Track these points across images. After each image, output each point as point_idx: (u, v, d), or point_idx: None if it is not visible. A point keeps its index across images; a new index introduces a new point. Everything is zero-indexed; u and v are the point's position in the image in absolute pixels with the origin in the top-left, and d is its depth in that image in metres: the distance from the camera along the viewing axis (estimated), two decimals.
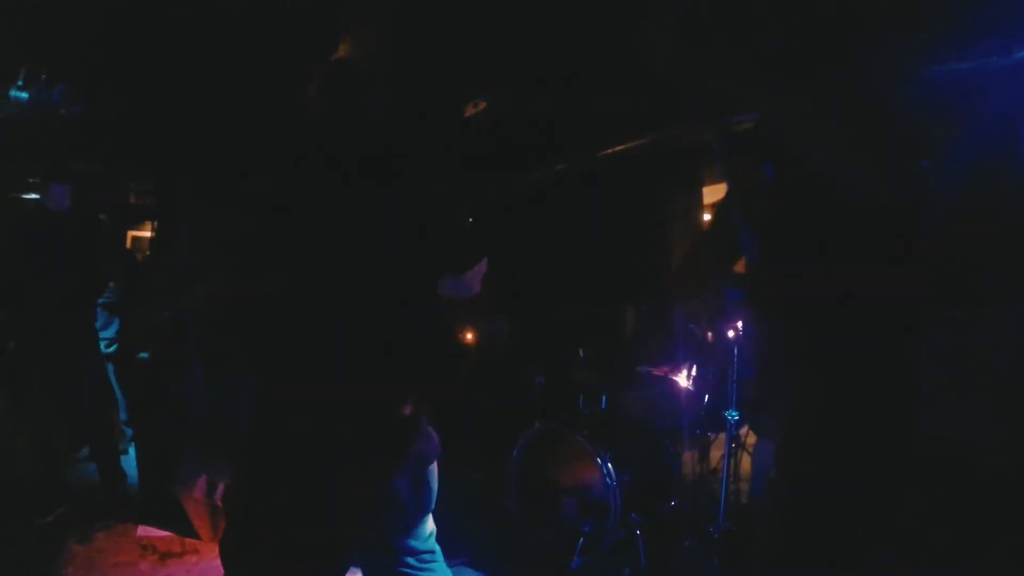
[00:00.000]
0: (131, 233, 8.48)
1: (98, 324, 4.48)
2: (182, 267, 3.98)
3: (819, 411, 1.42)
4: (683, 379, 3.75)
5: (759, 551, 1.71)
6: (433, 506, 1.98)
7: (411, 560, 1.96)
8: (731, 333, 3.46)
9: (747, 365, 3.31)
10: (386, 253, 1.69)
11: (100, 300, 4.51)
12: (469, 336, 5.12)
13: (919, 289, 1.35)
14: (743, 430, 4.10)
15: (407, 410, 1.73)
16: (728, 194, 1.53)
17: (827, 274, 1.37)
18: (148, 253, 7.54)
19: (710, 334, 4.15)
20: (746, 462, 4.14)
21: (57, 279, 3.79)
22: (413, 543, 1.97)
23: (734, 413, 3.35)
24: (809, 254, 1.38)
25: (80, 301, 4.01)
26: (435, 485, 1.96)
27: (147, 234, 8.22)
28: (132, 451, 4.72)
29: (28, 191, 7.26)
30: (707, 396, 3.78)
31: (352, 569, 1.95)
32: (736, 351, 3.33)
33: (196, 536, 3.56)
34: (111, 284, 4.63)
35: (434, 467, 1.94)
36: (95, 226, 4.21)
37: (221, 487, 3.43)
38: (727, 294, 3.38)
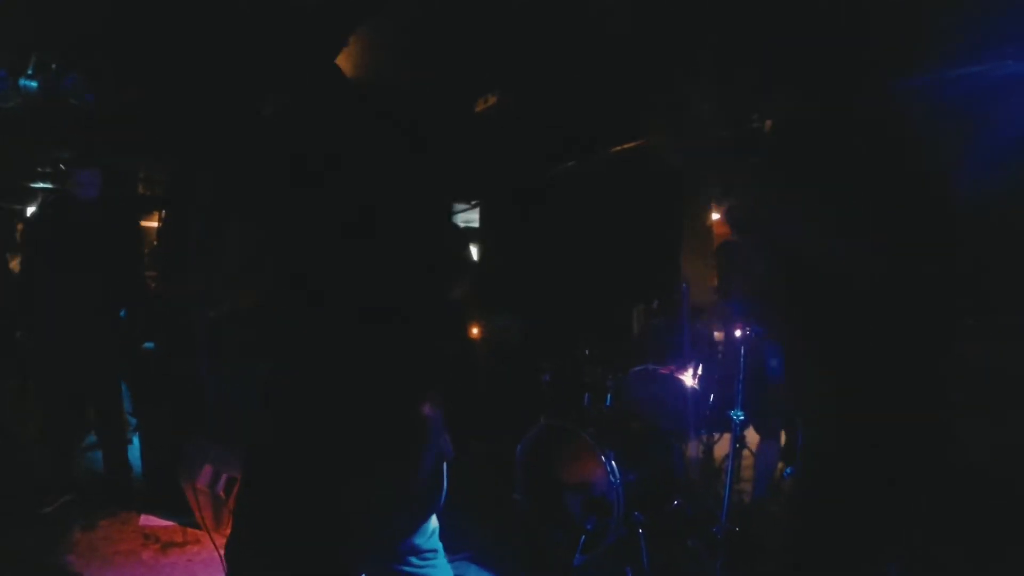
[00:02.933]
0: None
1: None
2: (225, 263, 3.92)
3: (841, 416, 1.40)
4: (689, 378, 3.74)
5: (784, 550, 1.69)
6: (442, 505, 1.95)
7: (414, 559, 1.94)
8: (739, 333, 3.44)
9: (765, 368, 3.29)
10: (406, 238, 1.62)
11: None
12: (475, 332, 5.11)
13: (946, 297, 1.33)
14: (747, 430, 4.09)
15: (426, 409, 1.69)
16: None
17: (848, 281, 1.36)
18: (155, 243, 7.51)
19: (717, 334, 4.14)
20: (750, 463, 4.13)
21: (83, 269, 3.74)
22: (417, 541, 1.94)
23: (739, 413, 3.34)
24: (828, 260, 1.36)
25: (107, 292, 3.94)
26: (445, 484, 1.92)
27: (154, 224, 8.17)
28: (136, 441, 4.73)
29: (38, 180, 7.29)
30: (712, 396, 3.76)
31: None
32: (743, 351, 3.31)
33: (198, 526, 3.56)
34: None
35: (444, 466, 1.91)
36: (124, 215, 4.16)
37: (225, 477, 3.42)
38: (731, 307, 3.36)
